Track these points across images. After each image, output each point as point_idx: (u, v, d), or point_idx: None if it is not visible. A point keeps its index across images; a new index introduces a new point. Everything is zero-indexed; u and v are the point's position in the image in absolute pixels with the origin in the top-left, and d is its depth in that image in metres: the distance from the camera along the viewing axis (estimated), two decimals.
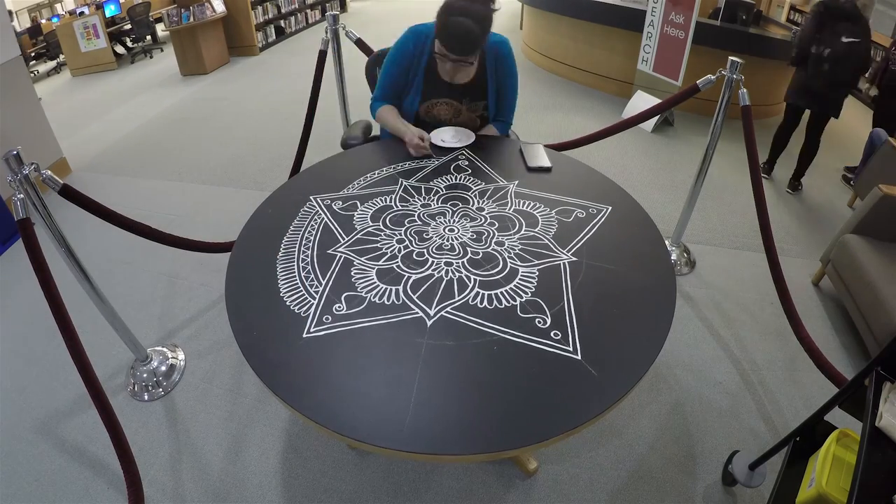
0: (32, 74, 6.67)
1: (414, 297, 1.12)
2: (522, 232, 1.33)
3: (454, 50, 1.51)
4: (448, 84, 1.69)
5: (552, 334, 1.04)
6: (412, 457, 0.87)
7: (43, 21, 8.20)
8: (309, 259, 1.24)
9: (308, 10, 7.57)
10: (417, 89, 1.72)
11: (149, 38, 7.42)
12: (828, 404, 1.21)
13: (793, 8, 6.43)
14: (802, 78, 3.01)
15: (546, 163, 1.62)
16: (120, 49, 7.15)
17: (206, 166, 3.53)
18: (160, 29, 7.61)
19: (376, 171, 1.61)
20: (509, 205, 1.44)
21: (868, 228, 2.13)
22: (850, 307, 2.08)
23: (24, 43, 7.08)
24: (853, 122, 4.54)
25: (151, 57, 6.92)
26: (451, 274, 1.19)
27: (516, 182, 1.54)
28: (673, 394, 1.85)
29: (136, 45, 7.34)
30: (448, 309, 1.09)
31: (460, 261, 1.23)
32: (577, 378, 0.96)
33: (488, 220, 1.37)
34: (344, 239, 1.31)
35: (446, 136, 1.71)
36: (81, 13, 6.64)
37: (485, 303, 1.11)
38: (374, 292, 1.14)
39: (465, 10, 1.44)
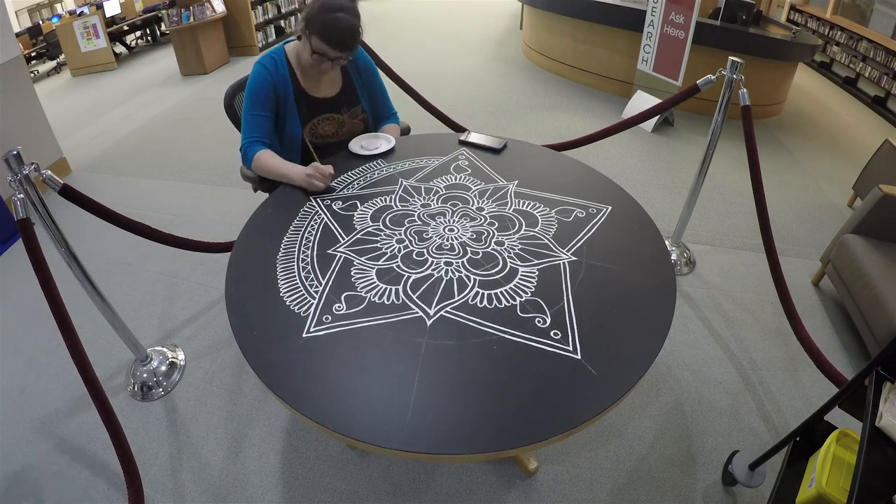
0: (32, 74, 6.67)
1: (414, 297, 1.12)
2: (522, 232, 1.33)
3: (339, 45, 1.50)
4: (322, 99, 1.69)
5: (552, 334, 1.04)
6: (412, 457, 0.87)
7: (43, 21, 8.20)
8: (309, 259, 1.24)
9: None
10: (294, 114, 1.65)
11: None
12: (828, 404, 1.21)
13: (793, 8, 6.44)
14: None
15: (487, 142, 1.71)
16: (119, 49, 7.15)
17: (206, 166, 3.53)
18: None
19: (376, 172, 1.61)
20: (509, 205, 1.44)
21: (868, 228, 2.12)
22: (850, 307, 2.08)
23: (24, 43, 7.08)
24: (858, 126, 4.54)
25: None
26: (450, 274, 1.19)
27: (516, 182, 1.54)
28: (673, 394, 1.85)
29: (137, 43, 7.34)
30: (448, 309, 1.10)
31: (460, 260, 1.23)
32: (577, 378, 0.96)
33: (488, 220, 1.37)
34: (344, 239, 1.31)
35: (364, 143, 1.72)
36: (81, 13, 6.64)
37: (484, 302, 1.11)
38: (374, 292, 1.14)
39: (342, 7, 1.49)
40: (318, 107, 1.70)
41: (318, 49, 1.51)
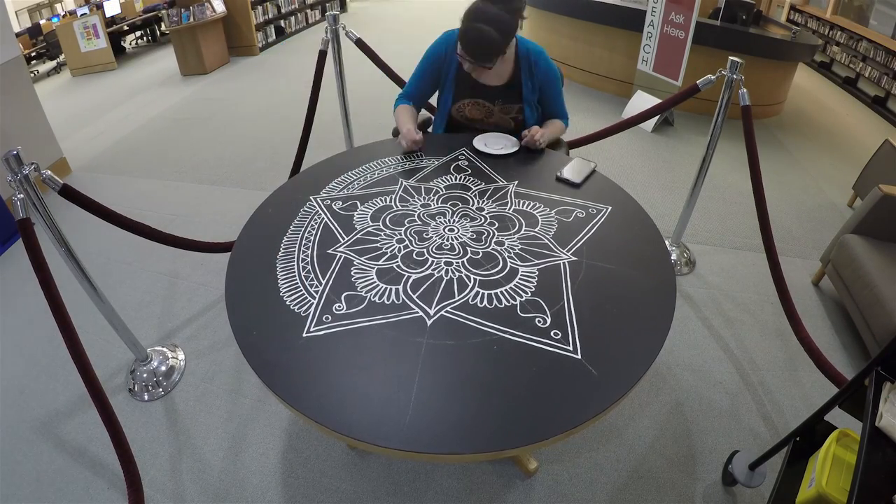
0: (32, 74, 6.67)
1: (414, 297, 1.12)
2: (522, 232, 1.33)
3: (471, 54, 1.53)
4: (481, 85, 1.72)
5: (552, 334, 1.04)
6: (412, 456, 0.87)
7: (43, 21, 8.19)
8: (309, 259, 1.24)
9: (308, 10, 7.56)
10: (450, 89, 1.76)
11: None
12: (828, 404, 1.21)
13: (793, 8, 6.44)
14: None
15: (575, 178, 1.56)
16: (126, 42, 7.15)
17: (206, 166, 3.53)
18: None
19: (376, 172, 1.61)
20: (509, 205, 1.44)
21: (868, 228, 2.12)
22: (850, 307, 2.08)
23: (24, 43, 7.08)
24: (858, 126, 4.54)
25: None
26: (451, 273, 1.19)
27: (516, 182, 1.54)
28: (673, 394, 1.85)
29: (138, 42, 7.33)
30: (448, 308, 1.09)
31: (460, 260, 1.23)
32: (577, 378, 0.96)
33: (488, 220, 1.37)
34: (344, 239, 1.31)
35: (489, 142, 1.71)
36: (83, 14, 6.64)
37: (485, 302, 1.11)
38: (374, 292, 1.14)
39: (487, 17, 1.48)
40: (473, 89, 1.74)
41: (458, 52, 1.59)
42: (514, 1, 1.51)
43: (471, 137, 1.72)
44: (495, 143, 1.70)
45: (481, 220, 1.38)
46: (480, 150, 1.67)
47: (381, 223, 1.37)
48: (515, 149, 1.68)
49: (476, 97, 1.75)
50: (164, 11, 5.58)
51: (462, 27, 1.53)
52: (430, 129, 1.97)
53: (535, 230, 1.34)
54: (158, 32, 7.89)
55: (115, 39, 6.90)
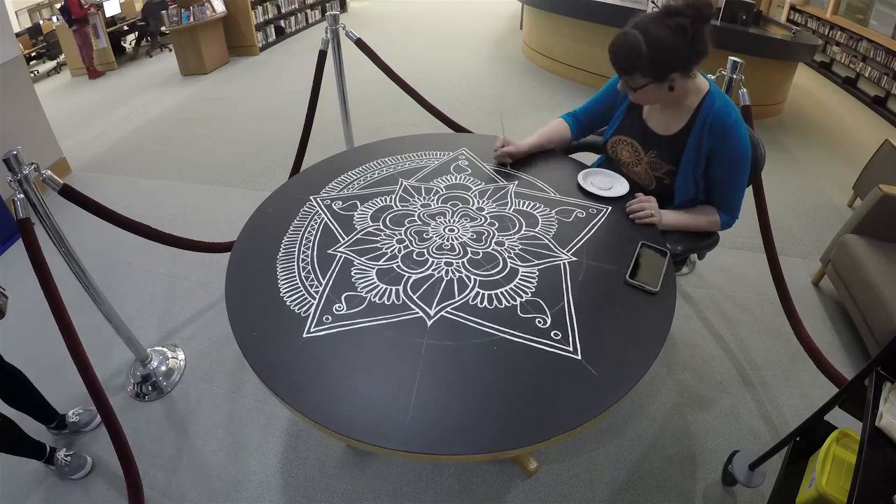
0: (32, 74, 6.67)
1: (414, 297, 1.12)
2: (522, 232, 1.33)
3: (612, 59, 1.32)
4: (644, 126, 1.49)
5: (552, 334, 1.04)
6: (412, 457, 0.87)
7: (43, 21, 8.19)
8: (309, 259, 1.24)
9: (308, 10, 7.56)
10: (614, 122, 1.58)
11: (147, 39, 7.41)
12: (828, 404, 1.21)
13: (793, 8, 6.43)
14: None
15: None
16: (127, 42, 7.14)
17: (206, 166, 3.53)
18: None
19: (376, 171, 1.61)
20: (509, 205, 1.44)
21: (868, 228, 2.12)
22: (850, 307, 2.08)
23: (24, 43, 7.08)
24: (858, 126, 4.54)
25: (151, 56, 6.93)
26: (451, 274, 1.19)
27: (516, 182, 1.54)
28: (673, 394, 1.85)
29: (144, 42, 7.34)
30: (448, 309, 1.09)
31: (460, 261, 1.23)
32: (577, 378, 0.96)
33: (488, 220, 1.37)
34: (344, 239, 1.31)
35: (596, 181, 1.49)
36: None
37: (485, 303, 1.11)
38: (375, 292, 1.14)
39: (642, 25, 1.27)
40: (633, 127, 1.51)
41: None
42: (681, 19, 1.24)
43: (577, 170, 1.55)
44: (602, 183, 1.48)
45: (481, 220, 1.38)
46: (585, 188, 1.46)
47: (381, 223, 1.37)
48: (623, 192, 1.43)
49: (633, 137, 1.50)
50: (164, 12, 5.60)
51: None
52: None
53: (536, 230, 1.34)
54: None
55: (116, 39, 6.90)
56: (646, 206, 1.36)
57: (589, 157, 1.78)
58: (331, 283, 1.17)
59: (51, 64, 7.28)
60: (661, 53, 1.26)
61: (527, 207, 1.43)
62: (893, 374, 1.05)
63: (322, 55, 2.55)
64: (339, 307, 1.10)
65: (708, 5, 1.25)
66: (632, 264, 1.20)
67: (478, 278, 1.17)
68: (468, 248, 1.27)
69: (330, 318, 1.08)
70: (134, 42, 7.48)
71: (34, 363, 2.03)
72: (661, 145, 1.46)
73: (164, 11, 5.67)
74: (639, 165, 1.52)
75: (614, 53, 1.31)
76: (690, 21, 1.23)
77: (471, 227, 1.35)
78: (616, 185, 1.47)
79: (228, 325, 1.08)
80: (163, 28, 6.87)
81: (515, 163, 1.64)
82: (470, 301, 1.11)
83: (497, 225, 1.35)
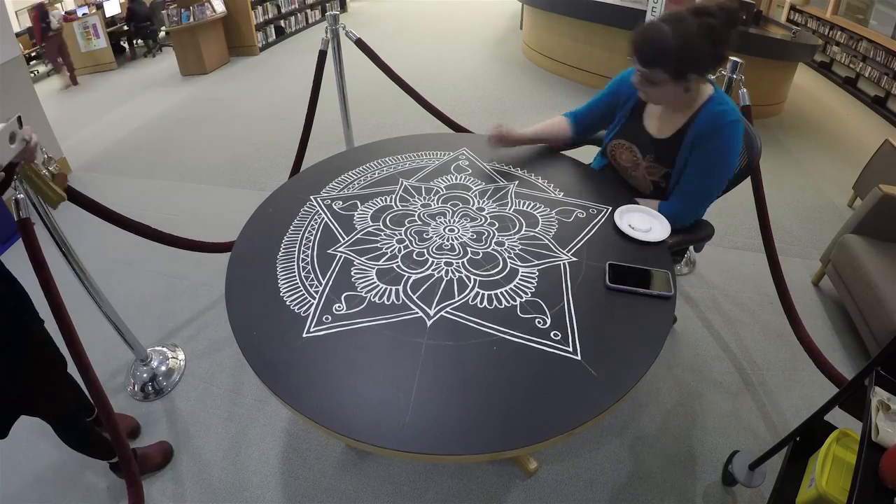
0: (32, 75, 6.67)
1: (414, 297, 1.12)
2: (522, 232, 1.33)
3: (634, 46, 1.29)
4: (643, 130, 1.48)
5: (552, 335, 1.04)
6: (412, 457, 0.87)
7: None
8: (309, 259, 1.24)
9: (308, 10, 7.56)
10: (615, 126, 1.56)
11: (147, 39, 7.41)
12: (828, 404, 1.21)
13: (793, 8, 6.43)
14: None
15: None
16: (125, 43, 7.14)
17: (206, 166, 3.53)
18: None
19: (377, 171, 1.61)
20: (509, 205, 1.44)
21: (868, 228, 2.12)
22: (850, 307, 2.08)
23: (24, 43, 7.07)
24: (858, 126, 4.53)
25: (154, 56, 6.93)
26: (451, 274, 1.19)
27: (516, 182, 1.54)
28: (673, 394, 1.85)
29: (143, 42, 7.33)
30: (448, 309, 1.09)
31: (460, 261, 1.23)
32: (577, 378, 0.96)
33: (488, 220, 1.37)
34: (344, 239, 1.31)
35: (634, 221, 1.34)
36: (83, 14, 6.63)
37: (485, 303, 1.11)
38: (374, 292, 1.14)
39: (673, 19, 1.24)
40: (633, 132, 1.50)
41: (629, 54, 1.33)
42: (716, 25, 1.21)
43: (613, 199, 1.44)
44: (641, 223, 1.33)
45: (481, 220, 1.38)
46: (622, 230, 1.31)
47: (381, 223, 1.37)
48: (663, 238, 1.29)
49: (632, 142, 1.50)
50: (164, 11, 5.61)
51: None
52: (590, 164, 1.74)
53: (536, 230, 1.34)
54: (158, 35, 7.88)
55: (116, 39, 6.90)
56: None
57: (588, 155, 1.77)
58: (331, 282, 1.17)
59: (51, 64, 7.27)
60: (686, 51, 1.23)
61: (527, 207, 1.43)
62: (894, 373, 1.05)
63: (322, 55, 2.55)
64: (339, 307, 1.10)
65: (739, 10, 1.24)
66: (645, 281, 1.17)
67: (478, 278, 1.17)
68: (468, 248, 1.27)
69: (330, 317, 1.08)
70: (127, 43, 7.47)
71: None
72: (657, 149, 1.45)
73: (163, 11, 5.68)
74: (637, 170, 1.51)
75: (639, 42, 1.28)
76: (721, 23, 1.22)
77: (471, 227, 1.35)
78: (655, 227, 1.32)
79: (228, 325, 1.08)
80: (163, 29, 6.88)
81: (516, 162, 1.64)
82: (470, 301, 1.11)
83: (497, 225, 1.35)
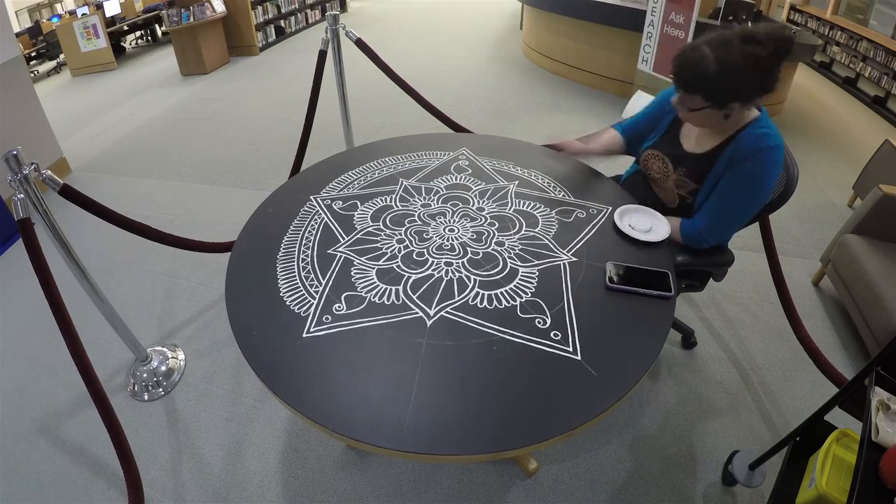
0: (32, 74, 6.67)
1: (414, 297, 1.12)
2: (522, 232, 1.33)
3: (675, 69, 1.25)
4: (678, 142, 1.45)
5: (552, 335, 1.04)
6: (412, 457, 0.87)
7: (43, 21, 8.19)
8: (309, 259, 1.24)
9: (308, 10, 7.56)
10: (654, 137, 1.54)
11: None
12: (828, 404, 1.21)
13: (793, 8, 6.43)
14: None
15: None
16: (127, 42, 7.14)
17: (206, 166, 3.53)
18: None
19: (377, 171, 1.61)
20: (509, 205, 1.44)
21: (868, 228, 2.12)
22: (850, 307, 2.07)
23: (24, 43, 7.07)
24: (858, 126, 4.54)
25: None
26: (451, 274, 1.19)
27: (516, 182, 1.54)
28: (673, 394, 1.85)
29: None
30: (448, 309, 1.09)
31: (460, 261, 1.23)
32: (577, 378, 0.96)
33: (488, 220, 1.37)
34: (344, 239, 1.31)
35: (635, 221, 1.35)
36: (83, 14, 6.64)
37: (485, 303, 1.11)
38: (374, 292, 1.14)
39: (717, 43, 1.19)
40: (670, 144, 1.46)
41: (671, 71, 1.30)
42: (759, 48, 1.16)
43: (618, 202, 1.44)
44: (641, 223, 1.34)
45: (481, 220, 1.38)
46: (621, 229, 1.32)
47: (381, 223, 1.37)
48: (664, 236, 1.30)
49: (666, 153, 1.46)
50: (164, 11, 5.59)
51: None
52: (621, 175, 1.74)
53: (536, 230, 1.34)
54: (159, 32, 7.89)
55: (115, 39, 6.90)
56: None
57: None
58: (331, 282, 1.17)
59: (51, 64, 7.27)
60: (729, 81, 1.19)
61: (527, 207, 1.43)
62: (894, 373, 1.05)
63: (322, 55, 2.55)
64: (339, 307, 1.10)
65: (790, 41, 1.18)
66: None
67: (478, 278, 1.17)
68: (468, 248, 1.27)
69: (330, 317, 1.08)
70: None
71: (34, 363, 2.03)
72: (690, 163, 1.40)
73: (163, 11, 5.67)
74: (666, 182, 1.47)
75: (679, 66, 1.24)
76: (768, 54, 1.17)
77: (471, 227, 1.35)
78: (655, 227, 1.33)
79: (228, 325, 1.08)
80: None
81: (516, 162, 1.64)
82: (470, 301, 1.11)
83: (497, 225, 1.35)
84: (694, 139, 1.42)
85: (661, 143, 1.50)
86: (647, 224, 1.33)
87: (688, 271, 1.53)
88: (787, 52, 1.18)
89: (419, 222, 1.37)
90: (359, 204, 1.45)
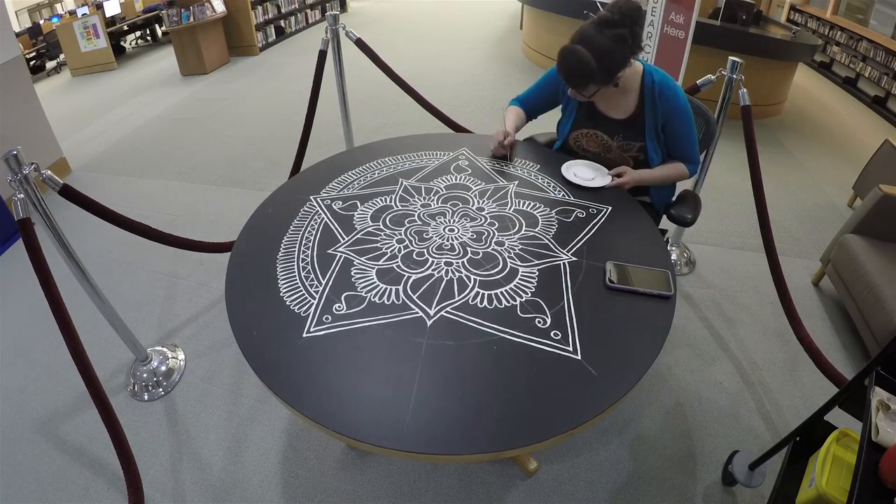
0: (32, 75, 6.66)
1: (414, 297, 1.12)
2: (522, 232, 1.33)
3: (563, 75, 1.43)
4: (602, 116, 1.59)
5: (552, 334, 1.04)
6: (412, 457, 0.87)
7: (43, 21, 8.19)
8: (309, 259, 1.24)
9: (308, 10, 7.56)
10: (570, 115, 1.66)
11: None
12: (828, 404, 1.21)
13: (793, 8, 6.43)
14: None
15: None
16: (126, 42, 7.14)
17: (206, 166, 3.53)
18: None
19: (376, 171, 1.61)
20: (509, 205, 1.44)
21: (868, 228, 2.12)
22: (850, 307, 2.07)
23: (24, 43, 7.07)
24: (858, 126, 4.54)
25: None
26: (451, 274, 1.19)
27: (516, 182, 1.54)
28: (673, 394, 1.85)
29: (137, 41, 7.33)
30: (448, 309, 1.09)
31: (460, 261, 1.23)
32: (577, 378, 0.96)
33: (488, 220, 1.37)
34: (344, 239, 1.31)
35: (579, 171, 1.55)
36: (83, 14, 6.64)
37: (485, 303, 1.11)
38: (374, 292, 1.14)
39: (585, 39, 1.36)
40: (593, 119, 1.61)
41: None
42: (620, 29, 1.35)
43: (559, 162, 1.60)
44: (585, 173, 1.54)
45: (481, 220, 1.38)
46: (568, 179, 1.53)
47: (381, 223, 1.37)
48: (606, 182, 1.51)
49: (595, 128, 1.60)
50: (164, 11, 5.59)
51: (561, 49, 1.41)
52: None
53: (536, 230, 1.34)
54: (159, 32, 7.89)
55: (116, 39, 6.90)
56: (622, 179, 1.51)
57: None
58: (331, 282, 1.17)
59: (51, 64, 7.27)
60: (609, 62, 1.37)
61: (527, 207, 1.43)
62: (894, 373, 1.05)
63: (322, 55, 2.55)
64: (339, 307, 1.10)
65: (638, 8, 1.35)
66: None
67: (478, 278, 1.17)
68: (468, 248, 1.27)
69: (330, 317, 1.08)
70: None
71: (34, 363, 2.03)
72: (623, 128, 1.57)
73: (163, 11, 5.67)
74: (610, 152, 1.62)
75: (565, 71, 1.41)
76: (628, 30, 1.35)
77: (471, 227, 1.35)
78: (598, 177, 1.53)
79: (228, 325, 1.08)
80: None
81: (516, 162, 1.64)
82: (470, 301, 1.11)
83: (497, 225, 1.35)
84: (613, 107, 1.57)
85: (585, 122, 1.63)
86: (591, 174, 1.54)
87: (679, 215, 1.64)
88: (641, 16, 1.37)
89: (419, 222, 1.37)
90: (359, 204, 1.45)
